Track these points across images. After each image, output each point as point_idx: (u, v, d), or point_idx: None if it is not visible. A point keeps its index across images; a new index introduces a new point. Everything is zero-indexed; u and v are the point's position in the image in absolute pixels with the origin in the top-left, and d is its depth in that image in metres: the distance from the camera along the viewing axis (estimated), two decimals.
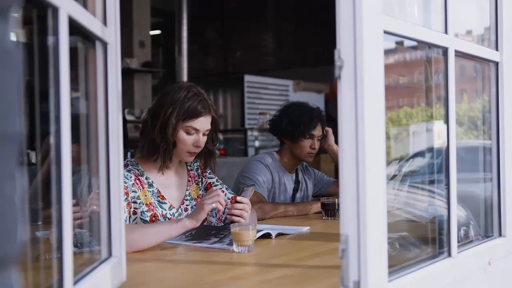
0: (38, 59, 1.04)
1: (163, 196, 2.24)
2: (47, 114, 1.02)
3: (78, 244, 1.35)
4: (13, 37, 0.55)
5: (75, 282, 1.09)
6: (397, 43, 1.47)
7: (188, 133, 2.19)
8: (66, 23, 1.02)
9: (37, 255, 1.26)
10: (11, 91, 0.53)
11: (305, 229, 2.34)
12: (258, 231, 2.03)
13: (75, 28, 1.12)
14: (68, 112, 1.03)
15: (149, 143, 2.20)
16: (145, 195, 2.18)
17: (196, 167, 2.42)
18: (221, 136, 7.71)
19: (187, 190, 2.35)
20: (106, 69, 1.36)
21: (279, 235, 2.17)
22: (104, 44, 1.35)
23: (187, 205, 2.32)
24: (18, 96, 0.55)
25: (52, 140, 1.01)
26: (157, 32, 10.37)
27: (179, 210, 2.28)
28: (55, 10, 1.00)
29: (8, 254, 0.53)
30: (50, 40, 1.02)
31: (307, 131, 2.97)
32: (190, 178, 2.38)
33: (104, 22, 1.35)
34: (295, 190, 3.12)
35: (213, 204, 1.97)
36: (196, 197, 2.36)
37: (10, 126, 0.53)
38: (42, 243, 1.38)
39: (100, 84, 1.35)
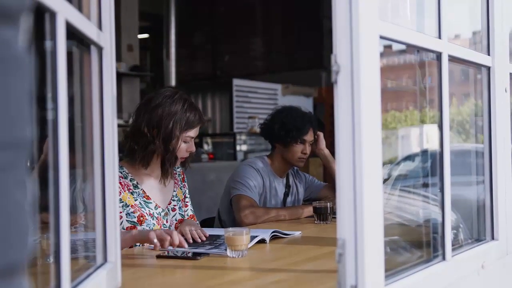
0: (34, 64, 1.03)
1: (148, 196, 2.29)
2: (40, 118, 1.02)
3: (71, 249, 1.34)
4: (23, 42, 0.55)
5: None
6: (385, 46, 1.48)
7: (185, 142, 2.29)
8: (63, 27, 1.02)
9: (33, 260, 1.25)
10: (22, 97, 0.53)
11: (297, 233, 2.34)
12: (253, 237, 2.02)
13: (71, 33, 1.11)
14: (65, 117, 1.02)
15: (150, 154, 2.25)
16: (128, 198, 2.23)
17: (178, 173, 2.50)
18: (209, 140, 7.69)
19: (174, 191, 2.42)
20: (101, 74, 1.36)
21: (274, 238, 2.18)
22: (100, 49, 1.34)
23: (174, 205, 2.40)
24: (29, 102, 0.55)
25: (50, 145, 1.00)
26: (145, 35, 10.35)
27: (166, 210, 2.35)
28: (53, 15, 0.99)
29: (21, 260, 0.53)
30: (47, 44, 1.02)
31: (299, 136, 2.97)
32: (176, 180, 2.46)
33: (99, 27, 1.34)
34: (286, 195, 3.12)
35: (155, 240, 1.90)
36: (181, 199, 2.45)
37: (21, 132, 0.53)
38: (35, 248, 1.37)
39: (95, 89, 1.35)
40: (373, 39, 1.21)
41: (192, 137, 2.31)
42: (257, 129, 6.71)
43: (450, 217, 1.53)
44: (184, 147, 2.29)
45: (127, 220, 2.19)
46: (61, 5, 1.01)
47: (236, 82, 8.07)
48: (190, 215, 2.47)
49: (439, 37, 1.52)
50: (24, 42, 0.56)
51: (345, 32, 1.18)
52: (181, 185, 2.49)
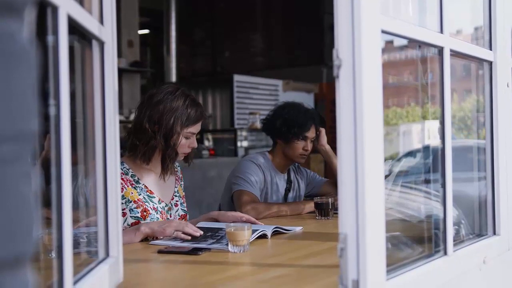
0: (37, 58, 1.03)
1: (151, 190, 2.31)
2: (45, 114, 1.01)
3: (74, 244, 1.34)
4: (28, 35, 0.55)
5: (75, 282, 1.08)
6: (387, 42, 1.48)
7: (186, 138, 2.30)
8: (65, 22, 1.02)
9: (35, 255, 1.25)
10: (28, 89, 0.53)
11: (299, 229, 2.34)
12: (254, 231, 2.03)
13: (72, 27, 1.11)
14: (67, 112, 1.02)
15: (151, 150, 2.27)
16: (132, 193, 2.25)
17: (178, 170, 2.53)
18: (210, 136, 7.69)
19: (176, 187, 2.45)
20: (103, 69, 1.35)
21: (275, 233, 2.18)
22: (101, 44, 1.34)
23: (176, 201, 2.42)
24: (34, 95, 0.55)
25: (52, 140, 1.00)
26: (146, 31, 10.35)
27: (169, 204, 2.37)
28: (55, 9, 0.99)
29: (25, 252, 0.53)
30: (49, 39, 1.01)
31: (301, 133, 2.96)
32: (177, 177, 2.48)
33: (101, 21, 1.34)
34: (288, 190, 3.12)
35: (174, 233, 2.05)
36: (182, 195, 2.48)
37: (26, 124, 0.53)
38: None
39: (96, 84, 1.35)
40: (374, 34, 1.21)
41: (194, 133, 2.32)
42: (258, 125, 6.70)
43: (452, 212, 1.53)
44: (186, 143, 2.30)
45: (131, 216, 2.21)
46: None
47: (237, 78, 8.06)
48: (182, 214, 2.47)
49: (441, 31, 1.52)
50: (29, 35, 0.56)
51: (347, 26, 1.17)
52: (181, 182, 2.52)
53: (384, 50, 1.51)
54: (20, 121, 0.53)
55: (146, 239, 2.08)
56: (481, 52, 1.78)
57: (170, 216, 2.35)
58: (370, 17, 1.19)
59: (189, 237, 2.03)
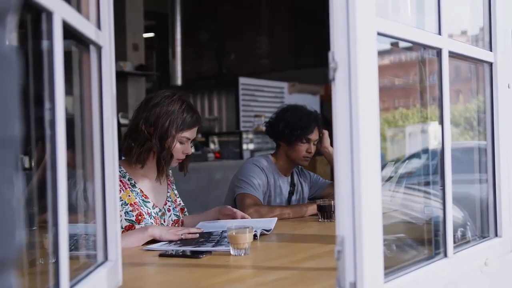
0: (32, 63, 1.04)
1: (146, 195, 2.33)
2: (41, 119, 1.02)
3: (72, 247, 1.35)
4: (10, 41, 0.55)
5: (71, 286, 1.09)
6: (392, 44, 1.48)
7: (181, 142, 2.32)
8: (60, 27, 1.02)
9: (32, 259, 1.26)
10: (10, 95, 0.53)
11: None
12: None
13: (69, 32, 1.12)
14: (63, 117, 1.02)
15: (146, 152, 2.28)
16: (129, 196, 2.27)
17: (170, 173, 2.55)
18: (216, 139, 7.69)
19: (168, 192, 2.47)
20: (101, 73, 1.36)
21: (262, 235, 2.21)
22: (99, 48, 1.34)
23: (169, 206, 2.44)
24: (16, 100, 0.55)
25: (47, 145, 1.01)
26: (151, 34, 10.37)
27: (163, 209, 2.39)
28: (49, 15, 1.00)
29: (7, 257, 0.53)
30: (44, 44, 1.02)
31: (304, 135, 2.96)
32: (169, 182, 2.51)
33: (98, 26, 1.35)
34: (291, 193, 3.12)
35: (182, 236, 2.13)
36: (173, 200, 2.49)
37: (9, 130, 0.53)
38: (37, 248, 1.38)
39: (94, 88, 1.35)
40: (370, 36, 1.21)
41: (189, 138, 2.33)
42: (263, 128, 6.72)
43: (451, 214, 1.53)
44: (180, 148, 2.32)
45: (125, 219, 2.21)
46: (57, 4, 1.02)
47: (242, 80, 8.06)
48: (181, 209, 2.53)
49: (439, 33, 1.52)
50: (11, 41, 0.56)
51: (342, 29, 1.17)
52: (173, 187, 2.54)
53: (389, 52, 1.51)
54: (2, 126, 0.53)
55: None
56: (481, 53, 1.77)
57: (164, 222, 2.36)
58: (365, 19, 1.18)
59: (197, 235, 2.14)
